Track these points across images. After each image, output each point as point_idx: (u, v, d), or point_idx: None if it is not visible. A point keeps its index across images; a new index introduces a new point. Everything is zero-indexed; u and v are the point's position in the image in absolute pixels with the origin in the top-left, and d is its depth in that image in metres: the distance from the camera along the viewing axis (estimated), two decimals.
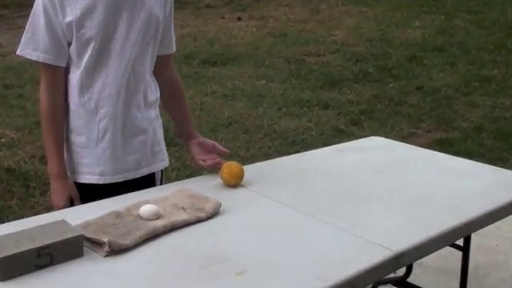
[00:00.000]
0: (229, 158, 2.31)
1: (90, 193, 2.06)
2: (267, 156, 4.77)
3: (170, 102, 2.28)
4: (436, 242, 1.80)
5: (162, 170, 2.26)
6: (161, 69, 2.18)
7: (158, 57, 2.15)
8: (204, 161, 2.24)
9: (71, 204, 2.05)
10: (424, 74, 7.28)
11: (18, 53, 1.99)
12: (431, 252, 1.83)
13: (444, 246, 1.89)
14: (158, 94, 2.20)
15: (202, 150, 2.26)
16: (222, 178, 2.11)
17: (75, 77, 2.00)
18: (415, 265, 2.76)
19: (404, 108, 6.19)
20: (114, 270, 1.54)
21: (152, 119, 2.17)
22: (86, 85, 2.00)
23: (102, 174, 2.08)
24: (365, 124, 5.71)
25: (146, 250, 1.64)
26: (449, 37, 8.77)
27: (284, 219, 1.87)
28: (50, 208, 2.91)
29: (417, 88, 6.79)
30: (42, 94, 2.01)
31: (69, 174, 2.09)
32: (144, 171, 2.16)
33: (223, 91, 6.62)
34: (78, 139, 2.06)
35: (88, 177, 2.08)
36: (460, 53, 8.02)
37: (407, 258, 1.74)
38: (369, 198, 2.06)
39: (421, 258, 1.85)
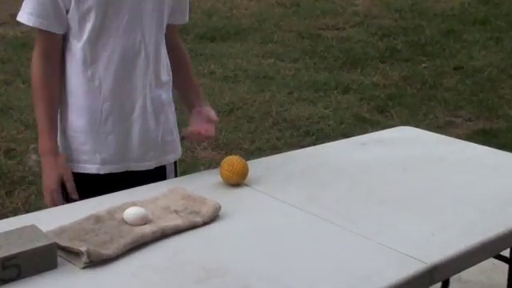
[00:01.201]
0: (230, 151, 2.31)
1: (88, 185, 2.10)
2: (275, 149, 4.77)
3: (176, 73, 2.31)
4: (477, 252, 1.80)
5: (175, 163, 2.30)
6: (167, 38, 2.23)
7: (167, 26, 2.20)
8: (198, 132, 2.25)
9: (63, 190, 2.08)
10: (463, 51, 7.27)
11: (17, 18, 2.06)
12: (471, 265, 1.82)
13: (487, 258, 1.89)
14: (171, 75, 2.24)
15: (199, 119, 2.28)
16: (221, 175, 2.11)
17: (77, 49, 2.06)
18: (452, 280, 2.77)
19: (439, 92, 6.18)
20: (94, 284, 1.54)
21: (164, 103, 2.20)
22: (90, 59, 2.06)
23: (102, 163, 2.12)
24: (392, 111, 5.71)
25: (132, 261, 1.64)
26: (493, 7, 8.74)
27: (295, 225, 1.87)
28: (16, 211, 2.92)
29: (455, 68, 6.78)
30: (35, 61, 2.07)
31: (69, 163, 2.13)
32: (151, 164, 2.20)
33: (223, 72, 6.62)
34: (78, 121, 2.10)
35: (87, 166, 2.13)
36: (507, 26, 8.00)
37: (443, 272, 1.74)
38: (397, 200, 2.06)
39: (459, 271, 1.85)
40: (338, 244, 1.76)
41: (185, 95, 2.36)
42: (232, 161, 2.12)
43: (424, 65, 6.93)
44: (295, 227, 1.86)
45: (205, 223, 1.84)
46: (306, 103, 5.83)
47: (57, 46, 2.07)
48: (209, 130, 2.26)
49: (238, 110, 5.64)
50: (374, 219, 1.91)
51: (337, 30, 8.06)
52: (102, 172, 2.13)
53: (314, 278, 1.59)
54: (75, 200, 2.06)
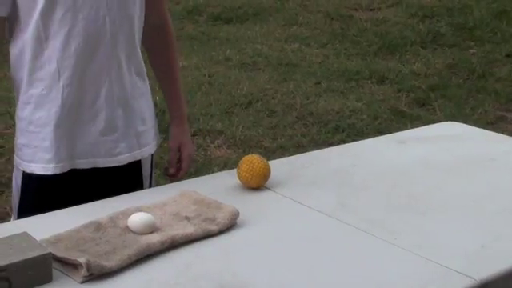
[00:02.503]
0: (249, 149, 2.32)
1: (50, 188, 2.09)
2: (300, 147, 4.77)
3: (154, 51, 2.31)
4: None
5: (152, 157, 2.29)
6: (149, 12, 2.19)
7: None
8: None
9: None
10: None
11: None
12: None
13: None
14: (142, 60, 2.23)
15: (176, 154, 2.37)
16: (240, 176, 2.11)
17: (29, 27, 2.01)
18: None
19: (490, 83, 6.15)
20: None
21: (136, 88, 2.18)
22: (45, 37, 2.01)
23: (66, 159, 2.09)
24: (435, 104, 5.69)
25: (137, 274, 1.65)
26: None
27: (324, 234, 1.87)
28: (5, 216, 2.94)
29: (507, 55, 6.74)
30: None
31: (21, 162, 2.11)
32: (123, 158, 2.18)
33: (241, 58, 6.62)
34: (36, 114, 2.07)
35: (48, 166, 2.09)
36: None
37: None
38: (441, 207, 2.05)
39: None
40: (374, 257, 1.76)
41: (164, 88, 2.39)
42: (251, 161, 2.12)
43: (472, 51, 6.90)
44: (324, 237, 1.86)
45: (220, 232, 1.84)
46: (335, 95, 5.82)
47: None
48: (184, 167, 2.36)
49: (257, 102, 5.64)
50: (415, 229, 1.91)
51: (371, 10, 8.05)
52: (66, 170, 2.10)
53: None
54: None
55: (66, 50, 2.02)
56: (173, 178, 2.35)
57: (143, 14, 2.16)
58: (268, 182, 2.13)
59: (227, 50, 6.77)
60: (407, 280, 1.66)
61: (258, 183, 2.11)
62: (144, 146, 2.23)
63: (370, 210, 2.02)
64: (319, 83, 6.06)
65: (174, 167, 2.35)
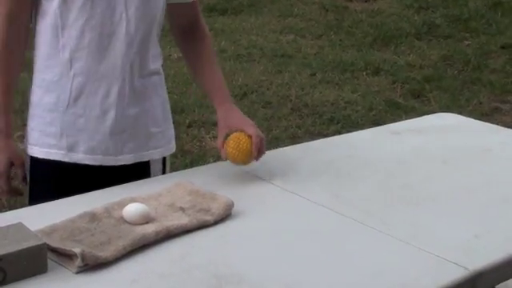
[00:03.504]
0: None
1: (51, 174, 2.11)
2: (295, 138, 4.77)
3: (199, 69, 2.30)
4: None
5: (164, 161, 2.27)
6: (183, 22, 2.23)
7: (176, 5, 2.19)
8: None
9: (6, 179, 2.10)
10: None
11: None
12: None
13: None
14: (161, 62, 2.23)
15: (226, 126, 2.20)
16: (227, 153, 2.10)
17: (49, 13, 2.04)
18: None
19: (484, 74, 6.15)
20: None
21: (149, 88, 2.18)
22: (62, 25, 2.04)
23: (70, 149, 2.10)
24: (430, 96, 5.70)
25: (132, 265, 1.65)
26: None
27: (319, 225, 1.88)
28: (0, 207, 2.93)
29: (502, 47, 6.74)
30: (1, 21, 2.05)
31: (28, 145, 2.13)
32: (129, 158, 2.17)
33: (236, 50, 6.61)
34: (45, 99, 2.09)
35: (52, 151, 2.11)
36: None
37: (488, 280, 1.74)
38: (436, 198, 2.06)
39: (506, 279, 1.85)
40: (369, 248, 1.76)
41: (207, 93, 2.34)
42: (239, 137, 2.11)
43: (467, 42, 6.90)
44: (319, 228, 1.86)
45: (215, 222, 1.84)
46: (330, 86, 5.82)
47: (24, 7, 2.05)
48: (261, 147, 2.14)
49: (252, 93, 5.64)
50: (410, 220, 1.92)
51: (366, 1, 8.04)
52: (67, 160, 2.10)
53: (341, 286, 1.59)
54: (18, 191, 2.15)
55: (80, 41, 2.04)
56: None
57: (163, 16, 2.17)
58: (263, 173, 2.14)
59: (222, 42, 6.77)
60: (401, 270, 1.67)
61: (244, 160, 2.10)
62: (154, 148, 2.21)
63: (365, 200, 2.02)
64: (314, 74, 6.05)
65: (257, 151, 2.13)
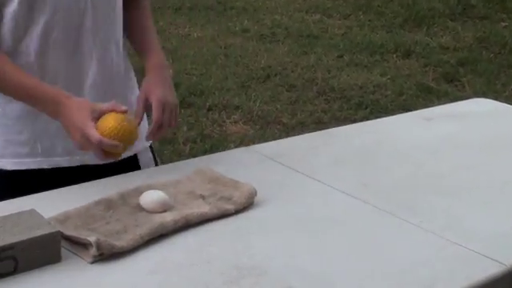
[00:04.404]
0: (266, 125, 2.30)
1: (29, 184, 1.97)
2: (321, 124, 4.76)
3: (132, 29, 2.19)
4: None
5: (152, 150, 2.23)
6: None
7: None
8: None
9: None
10: None
11: None
12: None
13: None
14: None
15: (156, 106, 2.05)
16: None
17: (8, 14, 1.94)
18: None
19: None
20: (103, 282, 1.55)
21: (122, 78, 2.13)
22: (24, 26, 1.95)
23: (46, 155, 2.04)
24: (464, 80, 5.66)
25: (150, 255, 1.65)
26: None
27: (345, 216, 1.87)
28: None
29: None
30: None
31: None
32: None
33: (259, 29, 6.60)
34: (10, 105, 2.01)
35: (26, 160, 2.04)
36: None
37: None
38: (469, 188, 2.05)
39: None
40: (397, 240, 1.76)
41: (134, 39, 2.19)
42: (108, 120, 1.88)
43: (504, 24, 6.85)
44: (345, 218, 1.86)
45: (237, 211, 1.84)
46: (358, 69, 5.81)
47: None
48: (171, 120, 2.04)
49: (275, 75, 5.63)
50: (442, 211, 1.91)
51: None
52: (45, 166, 2.04)
53: (368, 279, 1.59)
54: None
55: (44, 39, 1.96)
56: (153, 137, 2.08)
57: None
58: (288, 160, 2.14)
59: (245, 21, 6.76)
60: (432, 264, 1.66)
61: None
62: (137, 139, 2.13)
63: (395, 190, 2.02)
64: (341, 56, 6.04)
65: (139, 118, 2.02)
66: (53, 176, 2.05)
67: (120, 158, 1.96)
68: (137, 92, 2.16)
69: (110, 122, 1.86)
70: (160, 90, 2.03)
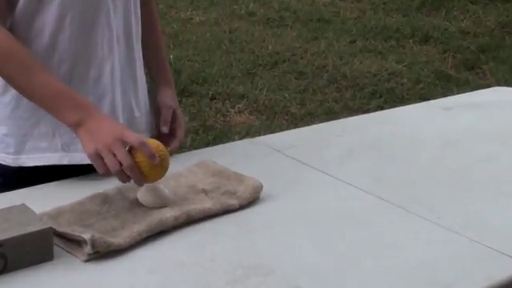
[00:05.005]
0: (273, 115, 2.31)
1: (43, 182, 1.98)
2: (332, 114, 4.76)
3: (144, 39, 2.22)
4: None
5: None
6: None
7: None
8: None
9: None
10: None
11: None
12: None
13: None
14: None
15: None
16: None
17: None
18: None
19: None
20: (99, 282, 1.55)
21: (135, 66, 2.13)
22: (38, 6, 1.95)
23: (65, 149, 2.04)
24: (486, 67, 5.66)
25: (148, 253, 1.65)
26: None
27: (358, 212, 1.88)
28: None
29: None
30: None
31: (9, 156, 2.03)
32: None
33: (266, 13, 6.60)
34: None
35: (46, 155, 2.03)
36: None
37: None
38: (491, 182, 2.05)
39: None
40: (413, 238, 1.76)
41: (150, 70, 2.28)
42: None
43: None
44: (358, 215, 1.86)
45: (242, 207, 1.84)
46: (372, 55, 5.80)
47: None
48: (180, 136, 2.17)
49: (283, 62, 5.63)
50: (461, 207, 1.91)
51: None
52: (65, 162, 2.03)
53: (382, 280, 1.59)
54: None
55: (60, 21, 1.96)
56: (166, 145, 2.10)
57: None
58: (296, 153, 2.14)
59: (250, 4, 6.75)
60: (451, 264, 1.66)
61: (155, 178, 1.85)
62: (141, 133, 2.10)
63: (410, 185, 2.02)
64: (354, 42, 6.03)
65: (168, 125, 2.15)
66: (72, 174, 2.03)
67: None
68: (145, 86, 2.19)
69: (151, 143, 1.82)
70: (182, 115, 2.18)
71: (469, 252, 1.71)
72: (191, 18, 6.43)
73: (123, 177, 1.79)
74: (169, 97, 2.22)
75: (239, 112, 4.87)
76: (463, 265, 1.66)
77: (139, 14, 2.15)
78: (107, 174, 1.81)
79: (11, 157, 2.03)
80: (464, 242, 1.74)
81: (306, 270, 1.61)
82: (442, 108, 2.58)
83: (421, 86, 5.30)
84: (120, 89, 2.07)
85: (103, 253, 1.61)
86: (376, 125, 2.44)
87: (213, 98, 5.01)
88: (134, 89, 2.13)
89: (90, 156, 1.82)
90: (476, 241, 1.74)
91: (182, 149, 3.04)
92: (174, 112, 2.18)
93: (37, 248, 1.58)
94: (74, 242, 1.63)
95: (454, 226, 1.80)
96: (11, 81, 1.94)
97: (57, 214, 1.72)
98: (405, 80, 5.38)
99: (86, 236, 1.60)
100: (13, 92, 2.00)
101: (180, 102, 2.29)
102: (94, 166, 1.82)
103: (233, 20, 6.39)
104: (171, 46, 5.65)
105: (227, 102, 5.00)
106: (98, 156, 1.80)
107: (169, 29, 6.06)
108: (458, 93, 3.02)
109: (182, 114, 2.24)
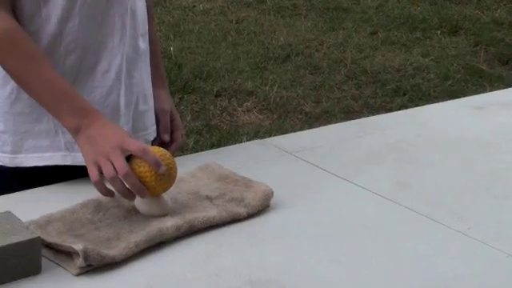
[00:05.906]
0: (285, 114, 2.32)
1: (49, 181, 2.02)
2: (350, 113, 4.77)
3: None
4: None
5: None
6: None
7: None
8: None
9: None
10: None
11: None
12: None
13: None
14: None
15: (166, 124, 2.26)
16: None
17: None
18: None
19: None
20: None
21: (140, 57, 2.15)
22: None
23: (68, 148, 2.05)
24: None
25: (146, 266, 1.66)
26: None
27: (379, 221, 1.88)
28: None
29: None
30: None
31: (5, 155, 2.04)
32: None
33: (277, 0, 6.61)
34: None
35: (47, 155, 2.05)
36: None
37: None
38: None
39: None
40: (441, 250, 1.77)
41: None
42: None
43: None
44: (379, 224, 1.87)
45: (250, 215, 1.85)
46: (395, 48, 5.81)
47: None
48: (178, 139, 2.24)
49: (297, 55, 5.64)
50: (494, 216, 1.91)
51: None
52: (68, 162, 2.04)
53: None
54: None
55: (69, 7, 1.98)
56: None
57: None
58: (310, 155, 2.14)
59: None
60: (482, 279, 1.67)
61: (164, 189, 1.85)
62: (142, 131, 2.16)
63: (437, 192, 2.02)
64: (375, 33, 6.03)
65: (169, 132, 2.23)
66: (74, 175, 2.04)
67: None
68: (150, 76, 2.21)
69: (156, 151, 1.83)
70: (179, 118, 2.25)
71: (501, 266, 1.71)
72: (194, 6, 6.44)
73: (120, 186, 1.79)
74: (164, 100, 2.27)
75: (247, 110, 4.87)
76: (495, 279, 1.67)
77: (145, 2, 2.18)
78: (100, 186, 1.82)
79: (8, 156, 2.05)
80: (496, 255, 1.75)
81: (320, 285, 1.62)
82: (473, 107, 2.58)
83: (449, 82, 5.30)
84: (127, 82, 2.10)
85: (96, 266, 1.62)
86: (399, 125, 2.45)
87: (218, 95, 5.02)
88: (141, 82, 2.16)
89: (87, 165, 1.84)
90: (510, 254, 1.74)
91: (183, 151, 3.06)
92: (170, 114, 2.24)
93: (23, 260, 1.58)
94: (64, 254, 1.64)
95: (487, 238, 1.80)
96: (12, 74, 1.96)
97: (45, 222, 1.72)
98: (432, 76, 5.38)
99: (78, 247, 1.60)
100: (12, 84, 2.02)
101: (181, 99, 2.31)
102: (89, 174, 1.83)
103: (240, 8, 6.40)
104: (171, 37, 5.66)
105: (234, 99, 5.00)
106: (95, 165, 1.82)
107: (169, 18, 6.08)
108: (491, 90, 3.02)
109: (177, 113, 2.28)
